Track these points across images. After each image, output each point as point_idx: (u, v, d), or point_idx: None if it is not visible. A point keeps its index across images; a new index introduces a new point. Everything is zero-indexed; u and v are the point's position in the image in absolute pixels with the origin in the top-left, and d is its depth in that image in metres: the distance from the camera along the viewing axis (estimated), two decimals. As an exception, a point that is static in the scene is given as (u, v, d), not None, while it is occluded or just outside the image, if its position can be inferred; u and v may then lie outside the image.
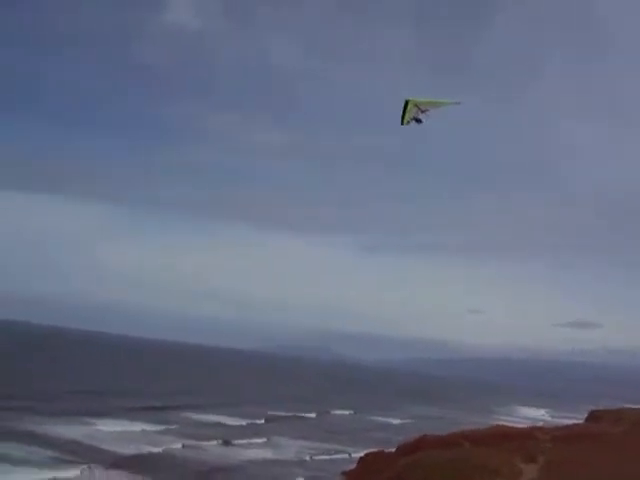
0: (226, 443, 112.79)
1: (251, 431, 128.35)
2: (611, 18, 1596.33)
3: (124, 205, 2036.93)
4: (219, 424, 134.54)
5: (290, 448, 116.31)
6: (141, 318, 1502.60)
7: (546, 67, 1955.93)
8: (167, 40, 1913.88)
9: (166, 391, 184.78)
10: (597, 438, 70.53)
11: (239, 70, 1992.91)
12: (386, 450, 75.62)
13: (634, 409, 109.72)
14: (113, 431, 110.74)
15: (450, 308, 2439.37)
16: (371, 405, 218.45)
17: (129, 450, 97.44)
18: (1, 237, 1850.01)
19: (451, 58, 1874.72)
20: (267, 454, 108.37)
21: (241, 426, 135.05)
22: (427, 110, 38.50)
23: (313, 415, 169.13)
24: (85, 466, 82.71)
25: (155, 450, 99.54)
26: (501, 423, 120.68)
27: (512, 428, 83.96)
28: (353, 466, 78.02)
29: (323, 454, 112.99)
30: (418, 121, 39.00)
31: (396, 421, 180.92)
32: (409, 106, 38.12)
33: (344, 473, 77.73)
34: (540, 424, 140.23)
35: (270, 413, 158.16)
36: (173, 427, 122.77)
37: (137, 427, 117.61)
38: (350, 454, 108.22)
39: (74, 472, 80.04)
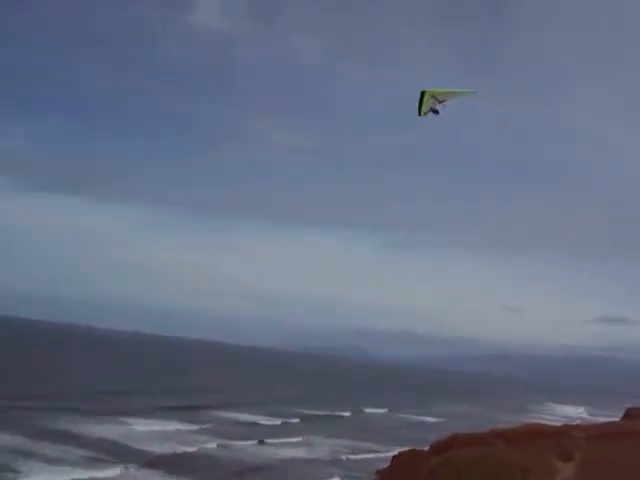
0: (261, 442, 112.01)
1: (286, 430, 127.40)
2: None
3: (146, 205, 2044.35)
4: (253, 423, 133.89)
5: (325, 447, 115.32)
6: (163, 317, 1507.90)
7: (573, 68, 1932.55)
8: (192, 41, 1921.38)
9: (197, 390, 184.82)
10: (634, 436, 68.55)
11: (262, 70, 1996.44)
12: (419, 449, 74.17)
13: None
14: (147, 430, 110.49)
15: (482, 305, 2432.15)
16: (405, 403, 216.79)
17: (164, 449, 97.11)
18: (27, 238, 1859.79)
19: (477, 57, 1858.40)
20: (303, 453, 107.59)
21: (276, 425, 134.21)
22: (444, 100, 37.51)
23: (348, 414, 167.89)
24: (123, 466, 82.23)
25: (190, 449, 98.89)
26: (536, 421, 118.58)
27: (546, 426, 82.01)
28: (386, 465, 76.69)
29: (358, 453, 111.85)
30: (435, 112, 37.84)
31: (431, 419, 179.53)
32: (425, 97, 37.10)
33: (377, 472, 76.28)
34: (578, 422, 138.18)
35: (304, 412, 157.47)
36: (207, 426, 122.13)
37: (171, 426, 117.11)
38: (385, 453, 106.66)
39: (112, 472, 79.86)
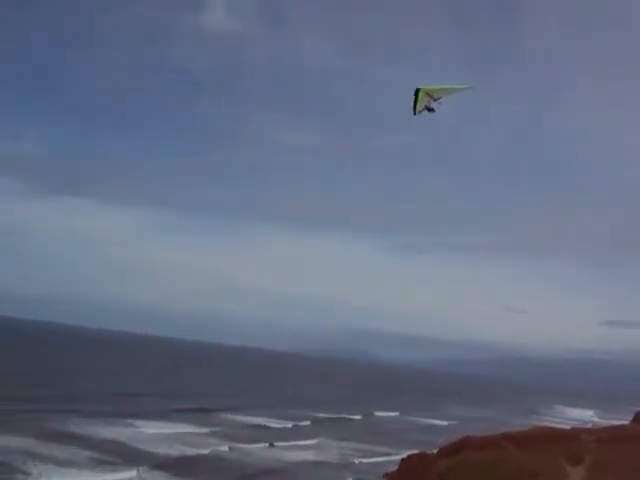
0: (272, 445, 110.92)
1: (297, 433, 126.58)
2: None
3: (152, 206, 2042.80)
4: (264, 426, 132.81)
5: (337, 450, 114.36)
6: (168, 319, 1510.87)
7: (582, 70, 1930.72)
8: (200, 41, 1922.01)
9: (206, 393, 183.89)
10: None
11: (273, 71, 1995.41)
12: (427, 452, 73.37)
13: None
14: (156, 433, 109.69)
15: (489, 307, 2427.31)
16: (415, 406, 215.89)
17: (174, 452, 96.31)
18: (35, 240, 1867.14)
19: (486, 56, 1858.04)
20: (314, 456, 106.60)
21: (286, 428, 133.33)
22: (440, 98, 35.95)
23: (358, 417, 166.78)
24: (136, 469, 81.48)
25: (201, 452, 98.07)
26: (546, 424, 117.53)
27: (556, 429, 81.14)
28: (395, 468, 75.84)
29: (370, 457, 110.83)
30: (431, 110, 36.48)
31: (441, 422, 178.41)
32: (420, 95, 35.58)
33: (386, 475, 75.54)
34: (589, 425, 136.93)
35: (315, 415, 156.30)
36: (217, 429, 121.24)
37: (180, 429, 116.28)
38: (396, 456, 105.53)
39: (123, 474, 79.28)
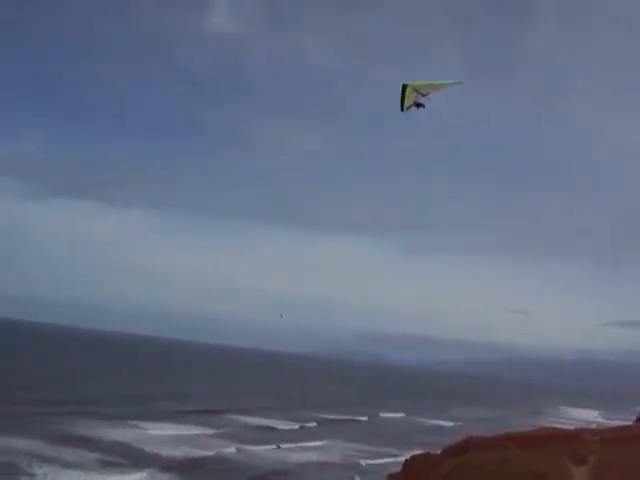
0: (279, 447, 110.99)
1: (304, 435, 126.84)
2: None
3: (160, 209, 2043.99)
4: (271, 428, 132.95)
5: (343, 452, 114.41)
6: (175, 321, 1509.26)
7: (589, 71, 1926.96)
8: (206, 44, 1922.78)
9: (212, 394, 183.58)
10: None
11: (275, 72, 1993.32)
12: (431, 452, 73.40)
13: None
14: (163, 435, 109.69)
15: (493, 308, 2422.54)
16: (421, 408, 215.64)
17: (181, 454, 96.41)
18: (40, 242, 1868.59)
19: (493, 57, 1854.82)
20: (321, 458, 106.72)
21: (293, 430, 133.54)
22: (428, 93, 36.00)
23: (364, 418, 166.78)
24: (145, 471, 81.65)
25: (208, 454, 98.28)
26: (551, 425, 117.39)
27: (560, 430, 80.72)
28: (400, 469, 75.88)
29: (376, 458, 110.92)
30: (419, 106, 36.45)
31: (447, 423, 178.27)
32: (408, 91, 35.57)
33: (390, 476, 75.42)
34: (593, 426, 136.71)
35: (321, 416, 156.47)
36: (224, 431, 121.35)
37: (187, 431, 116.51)
38: (403, 457, 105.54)
39: (131, 477, 79.42)
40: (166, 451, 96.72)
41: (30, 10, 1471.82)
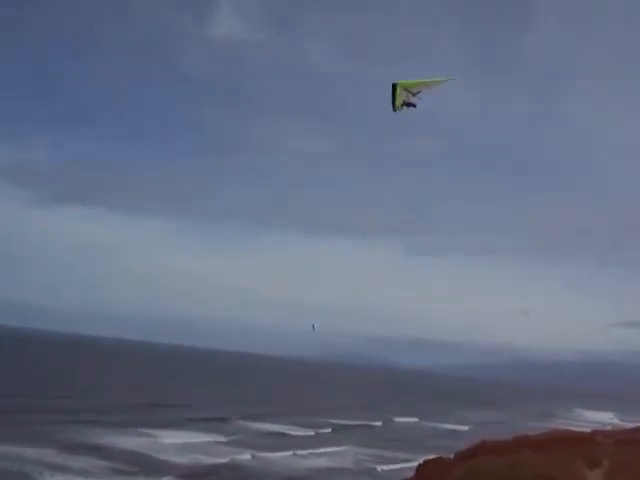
0: (295, 453, 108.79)
1: (318, 441, 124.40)
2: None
3: (166, 215, 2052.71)
4: (285, 434, 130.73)
5: (359, 457, 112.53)
6: (196, 328, 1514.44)
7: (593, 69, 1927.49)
8: (209, 48, 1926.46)
9: (223, 401, 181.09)
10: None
11: (279, 74, 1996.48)
12: (444, 457, 71.54)
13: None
14: (175, 442, 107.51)
15: (498, 310, 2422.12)
16: (434, 411, 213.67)
17: (194, 461, 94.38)
18: (46, 249, 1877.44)
19: (493, 57, 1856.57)
20: (338, 464, 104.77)
21: (308, 436, 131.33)
22: (419, 92, 33.58)
23: (379, 423, 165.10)
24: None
25: (221, 461, 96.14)
26: (564, 427, 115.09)
27: (572, 432, 78.80)
28: (413, 474, 74.22)
29: (392, 463, 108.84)
30: (410, 105, 33.92)
31: (461, 427, 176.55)
32: (398, 90, 33.16)
33: (403, 481, 73.92)
34: (608, 428, 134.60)
35: (335, 422, 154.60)
36: (236, 437, 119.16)
37: (199, 438, 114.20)
38: (418, 462, 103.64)
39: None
40: (178, 459, 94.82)
41: (30, 10, 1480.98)
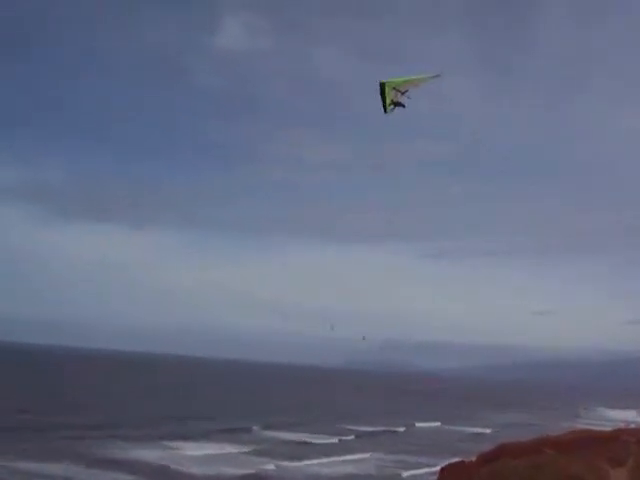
0: (321, 462, 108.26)
1: (343, 448, 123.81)
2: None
3: (183, 229, 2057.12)
4: (309, 443, 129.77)
5: (385, 463, 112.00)
6: (213, 338, 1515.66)
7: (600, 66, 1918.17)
8: (219, 60, 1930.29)
9: (243, 411, 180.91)
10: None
11: (291, 86, 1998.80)
12: (466, 460, 71.14)
13: None
14: (198, 454, 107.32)
15: (518, 311, 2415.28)
16: (456, 415, 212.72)
17: (219, 473, 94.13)
18: (62, 266, 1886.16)
19: (503, 60, 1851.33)
20: (364, 470, 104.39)
21: (332, 444, 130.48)
22: (406, 91, 32.90)
23: (402, 429, 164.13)
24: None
25: (246, 472, 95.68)
26: (587, 427, 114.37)
27: (595, 431, 78.20)
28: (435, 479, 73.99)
29: (417, 468, 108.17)
30: (399, 105, 33.21)
31: (484, 430, 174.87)
32: (387, 89, 32.46)
33: (425, 486, 73.73)
34: (632, 426, 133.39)
35: (358, 429, 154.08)
36: (260, 447, 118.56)
37: (222, 449, 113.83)
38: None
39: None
40: (202, 470, 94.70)
41: (40, 27, 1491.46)
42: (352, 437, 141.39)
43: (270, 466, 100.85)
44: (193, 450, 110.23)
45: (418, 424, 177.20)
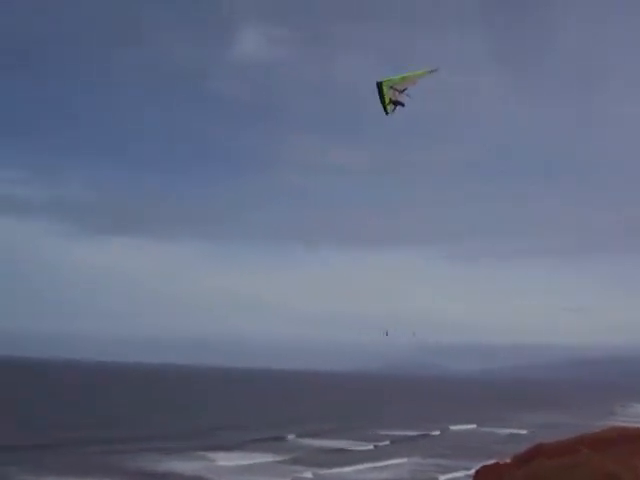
0: (358, 468, 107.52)
1: (380, 454, 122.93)
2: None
3: (209, 238, 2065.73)
4: (344, 450, 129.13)
5: (422, 468, 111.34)
6: (244, 349, 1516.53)
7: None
8: (238, 69, 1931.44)
9: (275, 420, 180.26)
10: None
11: (313, 92, 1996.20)
12: (501, 462, 70.48)
13: None
14: (235, 465, 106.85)
15: (548, 310, 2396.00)
16: (491, 417, 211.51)
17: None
18: (91, 280, 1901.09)
19: (524, 62, 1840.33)
20: (401, 475, 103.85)
21: (368, 450, 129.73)
22: (405, 89, 32.47)
23: (437, 432, 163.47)
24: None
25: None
26: (624, 424, 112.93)
27: (631, 429, 76.60)
28: (470, 481, 73.50)
29: (453, 471, 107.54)
30: (398, 104, 32.60)
31: (520, 431, 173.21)
32: (385, 89, 31.92)
33: (461, 489, 73.09)
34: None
35: (394, 434, 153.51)
36: (295, 456, 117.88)
37: (258, 459, 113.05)
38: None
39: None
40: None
41: (57, 41, 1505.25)
42: (387, 442, 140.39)
43: (307, 474, 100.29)
44: (227, 460, 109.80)
45: (453, 427, 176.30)
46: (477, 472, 71.14)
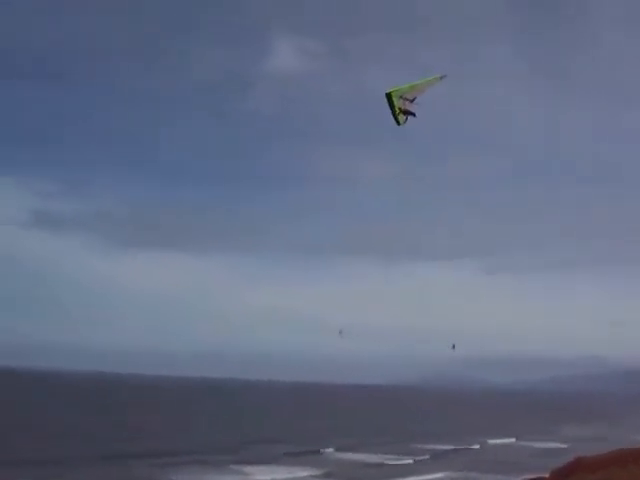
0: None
1: (420, 468, 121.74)
2: None
3: (244, 252, 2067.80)
4: (382, 464, 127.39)
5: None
6: (281, 362, 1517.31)
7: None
8: (273, 84, 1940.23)
9: (313, 433, 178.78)
10: None
11: (346, 105, 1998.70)
12: (540, 477, 69.15)
13: None
14: (271, 479, 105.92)
15: (590, 322, 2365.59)
16: (531, 430, 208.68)
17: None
18: (125, 294, 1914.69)
19: (557, 71, 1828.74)
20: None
21: (408, 464, 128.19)
22: (414, 98, 31.71)
23: (476, 446, 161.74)
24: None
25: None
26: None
27: None
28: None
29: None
30: (409, 114, 31.88)
31: (560, 445, 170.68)
32: (394, 100, 31.09)
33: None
34: None
35: (433, 447, 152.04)
36: (333, 470, 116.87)
37: (295, 473, 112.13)
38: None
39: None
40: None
41: (88, 59, 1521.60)
42: (427, 457, 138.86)
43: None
44: (264, 474, 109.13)
45: (492, 441, 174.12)
46: (518, 487, 70.60)
